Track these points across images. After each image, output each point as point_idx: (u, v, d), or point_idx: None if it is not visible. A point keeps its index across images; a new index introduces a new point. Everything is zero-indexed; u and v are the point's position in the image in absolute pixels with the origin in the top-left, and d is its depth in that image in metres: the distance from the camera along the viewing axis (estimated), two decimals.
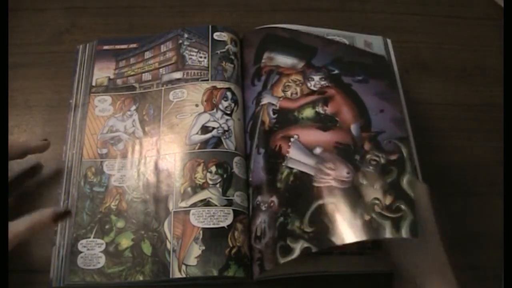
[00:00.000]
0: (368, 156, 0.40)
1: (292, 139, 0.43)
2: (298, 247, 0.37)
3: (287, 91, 0.46)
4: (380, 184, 0.38)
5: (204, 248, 0.40)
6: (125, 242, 0.41)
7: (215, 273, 0.39)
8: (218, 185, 0.42)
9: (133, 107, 0.48)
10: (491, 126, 0.53)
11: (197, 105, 0.46)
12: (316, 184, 0.40)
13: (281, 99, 0.46)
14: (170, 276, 0.39)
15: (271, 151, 0.43)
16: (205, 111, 0.46)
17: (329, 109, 0.44)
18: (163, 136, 0.45)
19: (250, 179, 0.44)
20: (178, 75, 0.49)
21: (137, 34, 0.54)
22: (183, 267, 0.39)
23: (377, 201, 0.37)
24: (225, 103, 0.47)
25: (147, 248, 0.41)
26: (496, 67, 0.56)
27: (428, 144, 0.50)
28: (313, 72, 0.47)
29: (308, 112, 0.44)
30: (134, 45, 0.52)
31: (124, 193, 0.43)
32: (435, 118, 0.53)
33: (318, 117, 0.44)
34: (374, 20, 0.59)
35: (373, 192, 0.37)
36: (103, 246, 0.41)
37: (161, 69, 0.50)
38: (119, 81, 0.50)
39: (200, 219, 0.41)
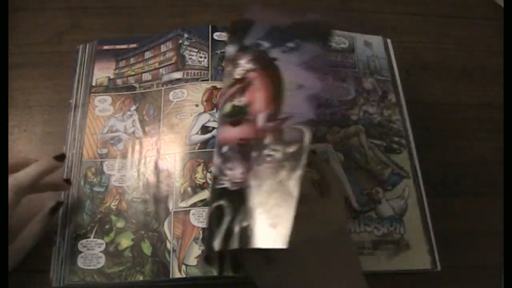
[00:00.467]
0: (265, 152, 0.34)
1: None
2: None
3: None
4: (268, 184, 0.32)
5: (204, 248, 0.40)
6: (125, 242, 0.41)
7: (215, 273, 0.39)
8: None
9: (133, 107, 0.48)
10: (491, 126, 0.53)
11: (197, 105, 0.46)
12: (217, 186, 0.36)
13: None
14: (170, 276, 0.39)
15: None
16: (205, 111, 0.46)
17: (244, 100, 0.38)
18: (163, 136, 0.45)
19: None
20: (178, 75, 0.49)
21: (137, 34, 0.54)
22: (183, 267, 0.39)
23: (259, 206, 0.32)
24: None
25: (147, 248, 0.41)
26: (496, 67, 0.56)
27: (428, 144, 0.50)
28: (241, 56, 0.41)
29: (228, 108, 0.39)
30: (134, 45, 0.52)
31: (124, 193, 0.43)
32: (435, 118, 0.53)
33: (233, 112, 0.39)
34: (374, 20, 0.59)
35: (258, 194, 0.32)
36: (103, 246, 0.41)
37: (161, 69, 0.50)
38: (119, 81, 0.50)
39: (200, 219, 0.41)
